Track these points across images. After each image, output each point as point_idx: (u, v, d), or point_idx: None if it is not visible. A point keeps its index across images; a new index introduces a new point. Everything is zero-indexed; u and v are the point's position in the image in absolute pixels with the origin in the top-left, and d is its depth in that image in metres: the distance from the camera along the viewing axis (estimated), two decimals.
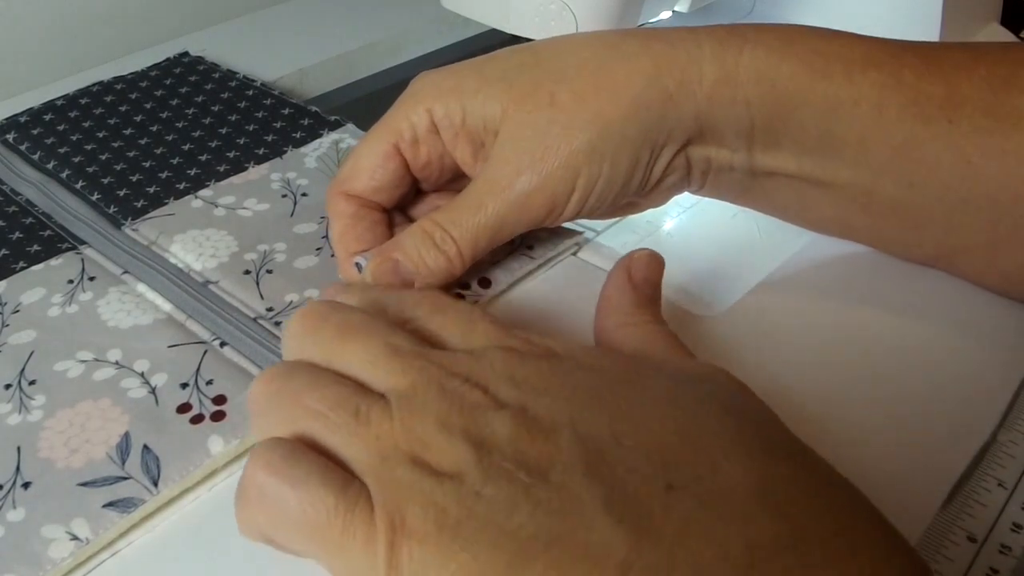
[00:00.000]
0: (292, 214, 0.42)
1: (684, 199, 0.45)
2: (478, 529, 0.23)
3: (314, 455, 0.25)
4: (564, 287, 0.39)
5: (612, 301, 0.32)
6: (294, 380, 0.27)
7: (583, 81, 0.34)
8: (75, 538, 0.28)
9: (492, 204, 0.35)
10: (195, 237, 0.41)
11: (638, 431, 0.24)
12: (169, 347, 0.35)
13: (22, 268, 0.39)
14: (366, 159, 0.37)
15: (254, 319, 0.36)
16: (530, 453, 0.24)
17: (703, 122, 0.35)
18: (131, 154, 0.47)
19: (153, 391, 0.33)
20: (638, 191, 0.37)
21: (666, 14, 0.51)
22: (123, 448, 0.31)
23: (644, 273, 0.32)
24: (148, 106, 0.51)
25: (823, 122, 0.34)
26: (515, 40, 0.48)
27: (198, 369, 0.34)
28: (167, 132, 0.49)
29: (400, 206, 0.39)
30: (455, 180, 0.39)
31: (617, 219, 0.44)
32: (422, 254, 0.35)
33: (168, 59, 0.56)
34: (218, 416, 0.32)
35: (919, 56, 0.34)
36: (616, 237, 0.42)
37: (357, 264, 0.36)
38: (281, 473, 0.24)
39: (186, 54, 0.57)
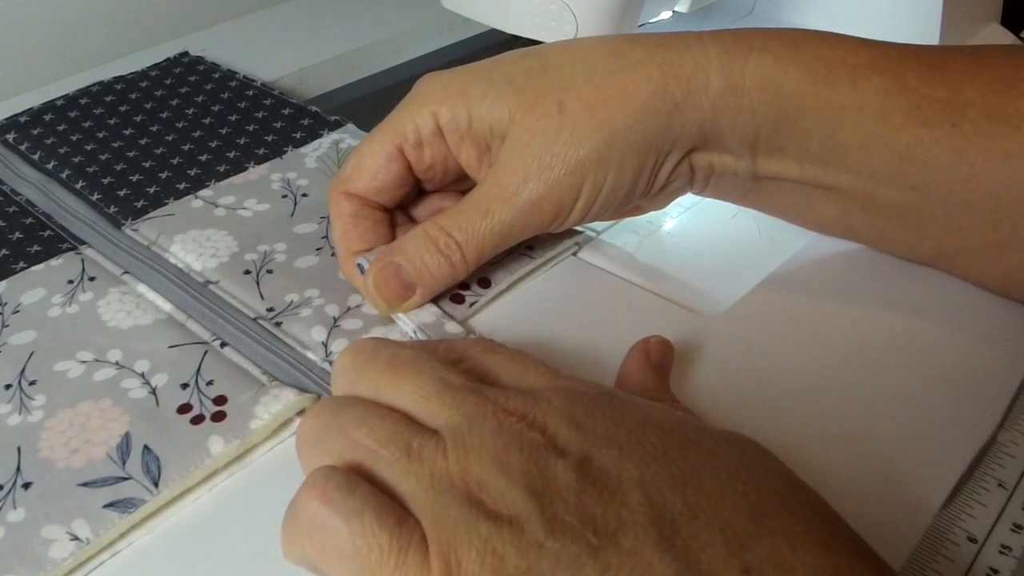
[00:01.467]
0: (292, 214, 0.42)
1: (684, 199, 0.44)
2: None
3: (369, 488, 0.24)
4: (564, 287, 0.39)
5: (634, 378, 0.31)
6: (343, 415, 0.26)
7: (591, 89, 0.34)
8: (75, 538, 0.28)
9: (499, 210, 0.35)
10: (195, 237, 0.41)
11: (711, 503, 0.23)
12: (169, 347, 0.35)
13: (22, 268, 0.39)
14: (369, 159, 0.37)
15: (254, 319, 0.36)
16: (597, 511, 0.23)
17: (708, 130, 0.35)
18: (131, 154, 0.47)
19: (153, 391, 0.33)
20: (642, 196, 0.37)
21: (666, 14, 0.51)
22: (123, 448, 0.31)
23: (659, 357, 0.32)
24: (148, 106, 0.51)
25: (827, 128, 0.34)
26: (515, 40, 0.48)
27: (198, 369, 0.34)
28: (167, 132, 0.49)
29: (402, 205, 0.39)
30: (458, 181, 0.39)
31: (618, 219, 0.44)
32: (425, 259, 0.35)
33: (168, 59, 0.56)
34: (218, 416, 0.32)
35: (923, 61, 0.34)
36: (616, 237, 0.42)
37: (359, 265, 0.36)
38: (335, 504, 0.24)
39: (186, 54, 0.57)
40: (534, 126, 0.34)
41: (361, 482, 0.24)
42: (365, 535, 0.23)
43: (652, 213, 0.44)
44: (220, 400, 0.33)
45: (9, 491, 0.30)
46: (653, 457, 0.24)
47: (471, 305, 0.37)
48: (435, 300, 0.37)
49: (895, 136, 0.34)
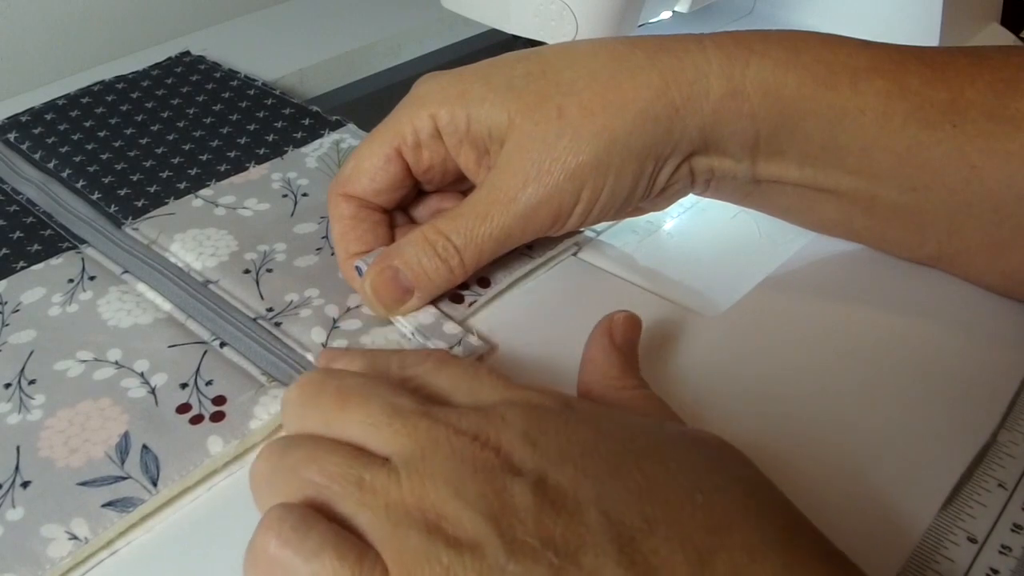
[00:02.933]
0: (292, 214, 0.42)
1: (684, 199, 0.45)
2: None
3: (326, 524, 0.24)
4: (564, 287, 0.39)
5: (597, 363, 0.31)
6: (292, 455, 0.26)
7: (591, 94, 0.34)
8: (74, 537, 0.28)
9: (498, 215, 0.34)
10: (195, 236, 0.41)
11: (669, 516, 0.23)
12: (169, 347, 0.35)
13: (22, 267, 0.39)
14: (368, 161, 0.37)
15: (254, 319, 0.36)
16: (556, 531, 0.23)
17: (708, 134, 0.35)
18: (132, 153, 0.47)
19: (153, 391, 0.33)
20: (642, 199, 0.37)
21: (666, 14, 0.51)
22: (122, 448, 0.31)
23: (624, 335, 0.32)
24: (149, 105, 0.51)
25: (828, 132, 0.34)
26: (515, 40, 0.48)
27: (198, 369, 0.34)
28: (168, 131, 0.49)
29: (402, 206, 0.39)
30: (458, 181, 0.39)
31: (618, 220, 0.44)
32: (423, 263, 0.35)
33: (169, 58, 0.56)
34: (217, 416, 0.32)
35: (924, 62, 0.34)
36: (616, 237, 0.42)
37: (357, 268, 0.36)
38: (293, 545, 0.23)
39: (187, 53, 0.57)
40: (533, 131, 0.34)
41: (318, 519, 0.24)
42: (326, 573, 0.23)
43: (652, 213, 0.44)
44: (219, 400, 0.33)
45: (8, 490, 0.30)
46: (608, 472, 0.24)
47: (470, 305, 0.37)
48: (434, 301, 0.37)
49: (896, 138, 0.34)
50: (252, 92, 0.52)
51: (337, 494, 0.24)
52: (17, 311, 0.37)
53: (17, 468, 0.30)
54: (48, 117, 0.50)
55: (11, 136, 0.49)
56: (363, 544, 0.23)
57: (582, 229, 0.41)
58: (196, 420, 0.32)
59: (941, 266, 0.38)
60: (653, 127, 0.34)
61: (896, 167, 0.34)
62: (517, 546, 0.22)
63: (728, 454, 0.26)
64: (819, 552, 0.24)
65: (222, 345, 0.35)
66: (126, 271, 0.39)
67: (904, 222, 0.36)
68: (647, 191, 0.36)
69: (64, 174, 0.46)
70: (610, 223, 0.43)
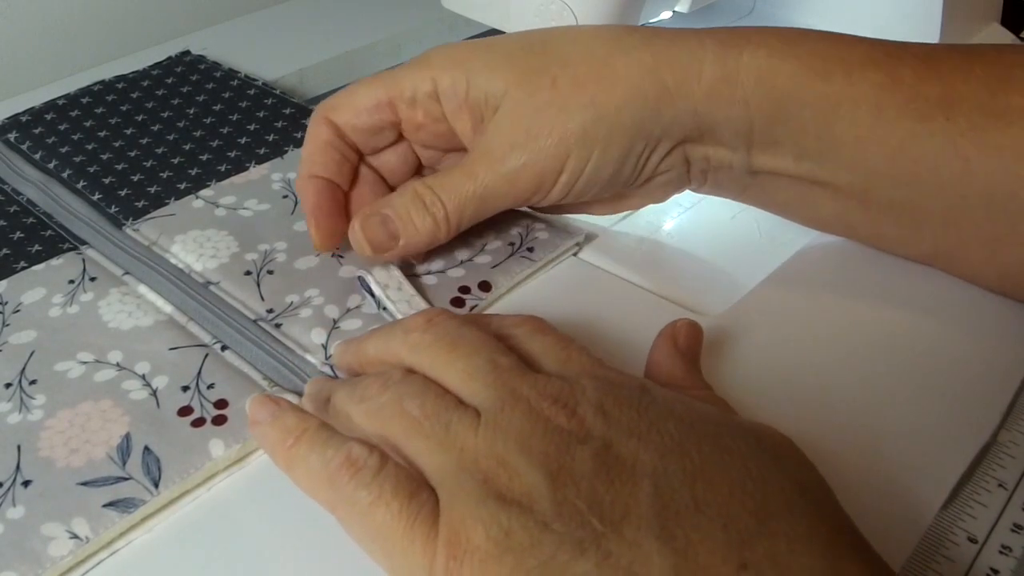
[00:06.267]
0: (293, 213, 0.42)
1: (685, 198, 0.45)
2: (542, 562, 0.23)
3: (393, 463, 0.26)
4: (565, 287, 0.39)
5: (663, 367, 0.32)
6: (403, 386, 0.28)
7: (585, 68, 0.35)
8: (75, 537, 0.28)
9: (483, 174, 0.36)
10: (196, 237, 0.41)
11: (718, 498, 0.24)
12: (170, 349, 0.35)
13: (23, 268, 0.39)
14: (359, 98, 0.38)
15: (254, 321, 0.36)
16: (606, 498, 0.24)
17: (701, 120, 0.35)
18: (132, 154, 0.47)
19: (154, 393, 0.33)
20: (630, 182, 0.37)
21: (666, 14, 0.51)
22: (124, 449, 0.31)
23: (687, 340, 0.32)
24: (150, 105, 0.51)
25: (822, 123, 0.34)
26: None
27: (199, 372, 0.34)
28: (168, 131, 0.49)
29: (372, 156, 0.40)
30: (443, 149, 0.40)
31: (619, 218, 0.44)
32: (411, 214, 0.36)
33: (170, 58, 0.56)
34: (219, 420, 0.32)
35: (918, 57, 0.34)
36: (616, 237, 0.42)
37: (359, 278, 0.37)
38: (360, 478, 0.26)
39: (187, 53, 0.57)
40: (525, 99, 0.35)
41: (387, 459, 0.26)
42: (383, 503, 0.25)
43: (652, 212, 0.44)
44: (221, 404, 0.33)
45: (9, 488, 0.30)
46: (669, 449, 0.25)
47: (471, 309, 0.37)
48: (435, 304, 0.37)
49: (890, 131, 0.34)
50: (252, 92, 0.52)
51: (425, 430, 0.26)
52: (18, 311, 0.37)
53: (18, 467, 0.30)
54: (48, 117, 0.50)
55: (11, 136, 0.49)
56: (419, 483, 0.26)
57: (583, 229, 0.41)
58: (198, 423, 0.32)
59: (938, 264, 0.38)
60: (642, 104, 0.35)
61: (890, 160, 0.34)
62: (566, 507, 0.23)
63: (787, 451, 0.27)
64: (859, 555, 0.24)
65: (223, 348, 0.35)
66: (127, 272, 0.39)
67: (900, 217, 0.36)
68: (636, 173, 0.37)
69: (65, 175, 0.46)
70: (612, 222, 0.43)
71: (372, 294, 0.37)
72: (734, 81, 0.34)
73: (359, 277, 0.37)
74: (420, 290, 0.37)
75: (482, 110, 0.37)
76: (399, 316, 0.36)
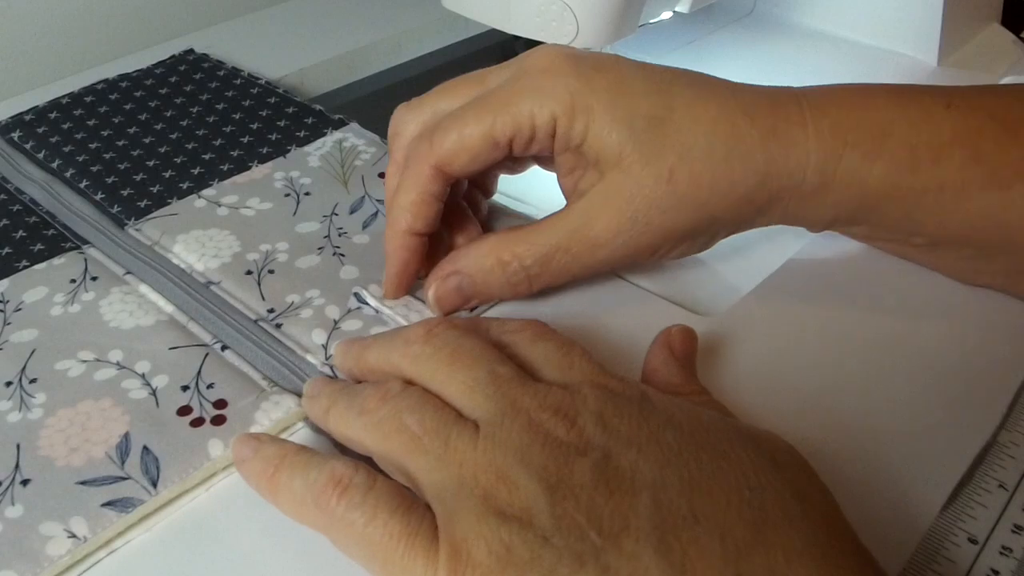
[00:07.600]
0: (295, 213, 0.43)
1: None
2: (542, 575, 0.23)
3: (385, 481, 0.26)
4: (564, 287, 0.39)
5: (660, 373, 0.32)
6: (401, 400, 0.28)
7: (702, 167, 0.34)
8: (73, 536, 0.28)
9: (581, 254, 0.35)
10: (198, 237, 0.41)
11: (716, 509, 0.24)
12: (170, 349, 0.35)
13: (25, 267, 0.40)
14: (477, 142, 0.35)
15: (255, 321, 0.36)
16: (605, 510, 0.24)
17: (789, 216, 0.36)
18: (135, 153, 0.47)
19: (154, 392, 0.33)
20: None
21: (667, 14, 0.51)
22: (123, 448, 0.31)
23: (682, 346, 0.33)
24: (153, 104, 0.51)
25: (904, 212, 0.35)
26: (515, 39, 0.48)
27: (199, 372, 0.34)
28: (171, 130, 0.49)
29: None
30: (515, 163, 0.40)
31: None
32: (488, 280, 0.36)
33: (173, 56, 0.57)
34: (218, 420, 0.32)
35: (997, 121, 0.34)
36: None
37: (356, 294, 0.37)
38: (355, 501, 0.26)
39: (191, 51, 0.57)
40: (639, 185, 0.34)
41: (378, 478, 0.27)
42: (378, 525, 0.25)
43: None
44: (220, 404, 0.33)
45: (8, 487, 0.30)
46: (668, 459, 0.25)
47: (472, 310, 0.37)
48: None
49: (970, 207, 0.34)
50: (255, 91, 0.52)
51: (424, 446, 0.26)
52: (19, 310, 0.37)
53: (17, 466, 0.30)
54: (52, 116, 0.50)
55: (15, 135, 0.49)
56: (413, 499, 0.26)
57: None
58: (197, 423, 0.32)
59: (1003, 289, 0.38)
60: (747, 210, 0.35)
61: (968, 230, 0.35)
62: (565, 520, 0.24)
63: (786, 457, 0.27)
64: (856, 563, 0.24)
65: (223, 348, 0.35)
66: (128, 272, 0.39)
67: (967, 264, 0.37)
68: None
69: (67, 174, 0.46)
70: None
71: (369, 305, 0.37)
72: (829, 187, 0.34)
73: (355, 293, 0.37)
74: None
75: (587, 161, 0.35)
76: (399, 320, 0.36)
